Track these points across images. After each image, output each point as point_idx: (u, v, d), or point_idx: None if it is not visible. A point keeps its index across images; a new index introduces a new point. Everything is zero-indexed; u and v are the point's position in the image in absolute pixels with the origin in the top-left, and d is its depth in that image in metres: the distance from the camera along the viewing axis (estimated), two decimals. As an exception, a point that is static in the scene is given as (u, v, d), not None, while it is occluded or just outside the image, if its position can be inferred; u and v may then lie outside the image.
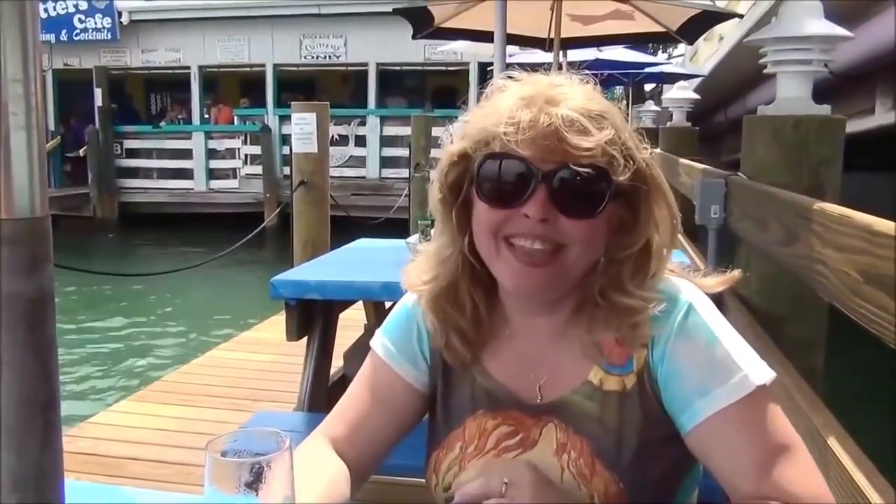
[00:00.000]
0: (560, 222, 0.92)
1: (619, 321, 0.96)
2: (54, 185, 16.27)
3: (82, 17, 16.23)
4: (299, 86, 16.48)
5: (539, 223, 0.92)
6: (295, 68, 16.38)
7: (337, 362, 3.33)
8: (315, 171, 5.40)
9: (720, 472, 0.92)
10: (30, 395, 0.56)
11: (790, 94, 2.46)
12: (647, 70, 12.45)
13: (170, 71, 17.09)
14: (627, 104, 13.27)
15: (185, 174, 16.14)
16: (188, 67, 16.52)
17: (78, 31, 16.28)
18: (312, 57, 15.94)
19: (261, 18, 15.64)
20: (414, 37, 5.51)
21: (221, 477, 0.71)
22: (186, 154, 16.15)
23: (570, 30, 5.21)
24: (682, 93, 8.21)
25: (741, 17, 6.92)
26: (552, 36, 5.03)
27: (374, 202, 12.70)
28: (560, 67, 4.53)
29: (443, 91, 16.42)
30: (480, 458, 1.01)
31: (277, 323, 4.82)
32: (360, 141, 15.28)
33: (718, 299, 1.02)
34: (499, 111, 0.93)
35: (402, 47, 12.73)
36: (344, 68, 16.47)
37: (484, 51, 8.06)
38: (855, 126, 6.02)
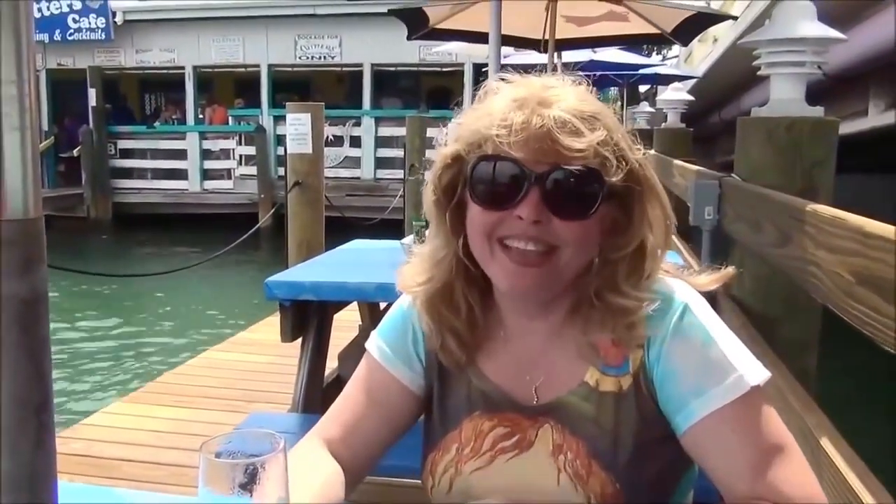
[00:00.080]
0: (553, 224, 0.92)
1: (614, 322, 0.97)
2: (48, 185, 16.21)
3: (76, 17, 16.18)
4: (294, 86, 16.46)
5: (532, 225, 0.92)
6: (290, 69, 16.37)
7: (331, 363, 3.33)
8: (310, 172, 5.39)
9: (715, 473, 0.93)
10: (23, 396, 0.56)
11: (784, 95, 2.46)
12: (642, 71, 12.50)
13: (164, 71, 17.04)
14: (622, 105, 13.29)
15: (180, 175, 16.10)
16: (183, 67, 16.48)
17: (72, 30, 16.23)
18: (307, 57, 15.92)
19: (256, 19, 15.62)
20: (409, 38, 5.51)
21: (215, 478, 0.71)
22: (181, 154, 16.11)
23: (565, 31, 5.21)
24: (676, 94, 8.23)
25: (735, 18, 6.93)
26: (547, 37, 5.04)
27: (369, 203, 12.70)
28: (555, 69, 4.53)
29: (438, 92, 16.40)
30: (477, 459, 1.02)
31: (272, 324, 4.83)
32: (355, 142, 15.27)
33: (712, 301, 1.02)
34: (491, 113, 0.93)
35: (397, 48, 12.73)
36: (339, 69, 16.45)
37: (479, 52, 8.07)
38: (848, 128, 6.03)
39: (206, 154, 16.08)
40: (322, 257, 3.44)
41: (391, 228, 7.03)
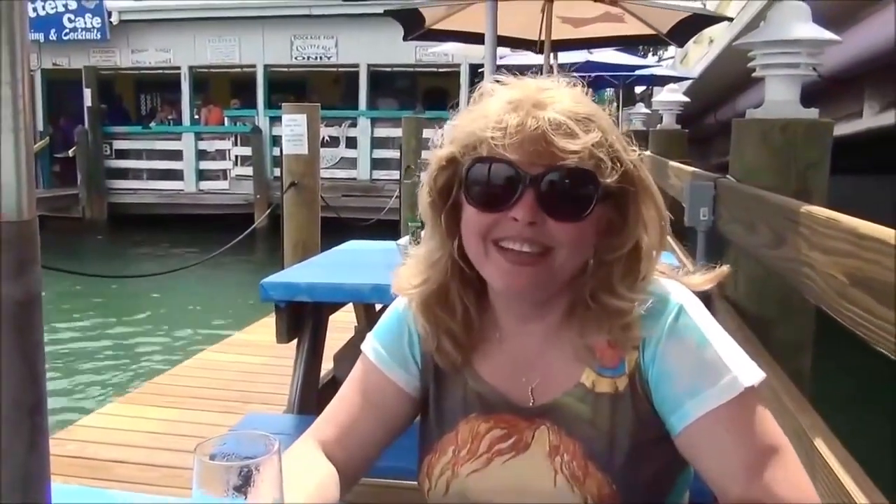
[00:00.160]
0: (548, 225, 0.93)
1: (610, 323, 0.97)
2: (43, 185, 16.19)
3: (71, 17, 16.15)
4: (290, 87, 16.46)
5: (527, 226, 0.92)
6: (286, 69, 16.37)
7: (327, 365, 3.32)
8: (306, 173, 5.39)
9: (709, 474, 0.93)
10: (17, 397, 0.56)
11: (778, 97, 2.47)
12: (638, 72, 12.50)
13: (160, 71, 17.03)
14: (618, 106, 13.31)
15: (175, 175, 16.08)
16: (178, 68, 16.47)
17: (67, 30, 16.20)
18: (303, 58, 15.92)
19: (252, 19, 15.61)
20: (405, 38, 5.51)
21: (210, 480, 0.71)
22: (176, 155, 16.09)
23: (561, 32, 5.22)
24: (671, 95, 8.23)
25: (731, 19, 6.95)
26: (543, 38, 5.05)
27: (365, 203, 12.70)
28: (551, 69, 4.54)
29: (434, 92, 16.42)
30: (473, 461, 1.02)
31: (267, 325, 4.81)
32: (351, 142, 15.28)
33: (707, 302, 1.03)
34: (486, 115, 0.94)
35: (393, 48, 12.73)
36: (335, 69, 16.46)
37: (475, 52, 8.07)
38: (843, 129, 6.05)
39: (201, 155, 16.07)
40: (318, 258, 3.44)
41: (387, 229, 7.04)
